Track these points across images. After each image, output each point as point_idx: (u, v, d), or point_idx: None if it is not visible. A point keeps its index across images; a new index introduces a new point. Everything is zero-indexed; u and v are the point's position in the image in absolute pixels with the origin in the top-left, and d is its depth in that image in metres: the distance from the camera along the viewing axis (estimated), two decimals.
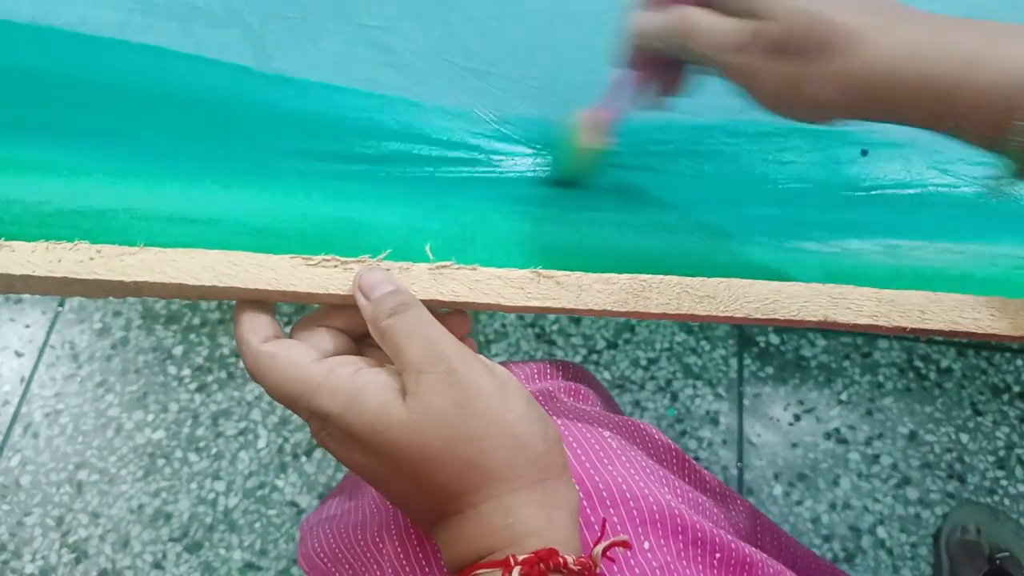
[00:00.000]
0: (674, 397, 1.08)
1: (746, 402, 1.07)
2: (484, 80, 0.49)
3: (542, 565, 0.29)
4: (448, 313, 0.37)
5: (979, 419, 1.05)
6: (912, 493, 1.01)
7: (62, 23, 0.48)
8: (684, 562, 0.38)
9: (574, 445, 0.40)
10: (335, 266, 0.36)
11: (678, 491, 0.42)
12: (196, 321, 1.13)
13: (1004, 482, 1.02)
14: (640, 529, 0.37)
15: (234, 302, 0.36)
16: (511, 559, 0.29)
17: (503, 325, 1.13)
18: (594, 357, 1.10)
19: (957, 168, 0.47)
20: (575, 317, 1.13)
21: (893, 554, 0.97)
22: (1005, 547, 0.91)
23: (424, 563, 0.38)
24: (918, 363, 1.09)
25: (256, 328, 0.34)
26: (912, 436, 1.05)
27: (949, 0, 0.51)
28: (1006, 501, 1.00)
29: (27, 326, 1.14)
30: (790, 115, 0.36)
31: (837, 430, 1.05)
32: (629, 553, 0.37)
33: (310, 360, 0.32)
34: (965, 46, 0.32)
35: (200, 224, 0.40)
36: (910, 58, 0.32)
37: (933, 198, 0.46)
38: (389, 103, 0.48)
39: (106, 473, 1.03)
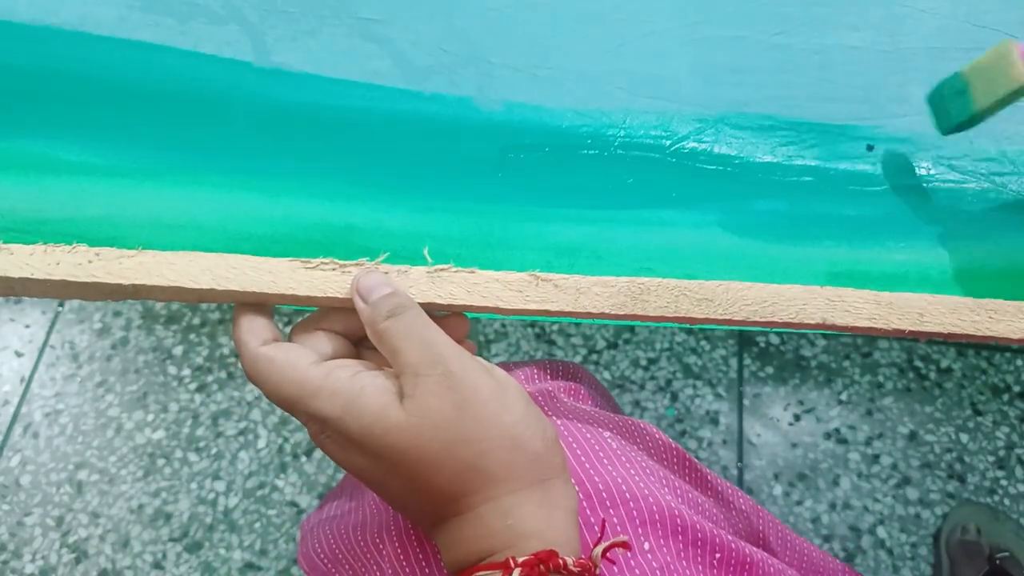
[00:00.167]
0: (674, 397, 1.08)
1: (746, 402, 1.07)
2: (485, 71, 0.49)
3: (542, 566, 0.29)
4: (446, 316, 0.37)
5: (979, 419, 1.05)
6: (912, 493, 1.01)
7: (60, 22, 0.48)
8: (684, 562, 0.38)
9: (573, 445, 0.40)
10: (333, 269, 0.36)
11: (678, 491, 0.42)
12: (196, 321, 1.13)
13: (1004, 482, 1.02)
14: (640, 530, 0.37)
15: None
16: (511, 560, 0.29)
17: (503, 325, 1.13)
18: (594, 357, 1.11)
19: (963, 164, 0.47)
20: None
21: (893, 554, 0.98)
22: (1005, 547, 0.91)
23: (424, 564, 0.38)
24: (918, 363, 1.09)
25: (254, 331, 0.34)
26: (912, 436, 1.05)
27: (950, 0, 0.51)
28: (1006, 501, 1.00)
29: (27, 326, 1.14)
30: None
31: (837, 430, 1.05)
32: (629, 554, 0.37)
33: (308, 363, 0.32)
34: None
35: (199, 223, 0.40)
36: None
37: (937, 194, 0.46)
38: (390, 96, 0.47)
39: (106, 473, 1.03)
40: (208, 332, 1.13)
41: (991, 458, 1.03)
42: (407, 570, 0.38)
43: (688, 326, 1.13)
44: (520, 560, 0.28)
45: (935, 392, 1.07)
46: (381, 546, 0.41)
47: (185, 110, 0.46)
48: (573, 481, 0.34)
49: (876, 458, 1.03)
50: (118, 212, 0.40)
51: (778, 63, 0.49)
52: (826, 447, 1.04)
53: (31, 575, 0.97)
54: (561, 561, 0.29)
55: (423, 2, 0.51)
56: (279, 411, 1.07)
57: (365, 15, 0.50)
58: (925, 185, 0.46)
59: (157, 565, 0.98)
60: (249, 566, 0.98)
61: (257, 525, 1.00)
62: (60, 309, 1.15)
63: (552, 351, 1.11)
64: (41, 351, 1.11)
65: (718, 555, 0.39)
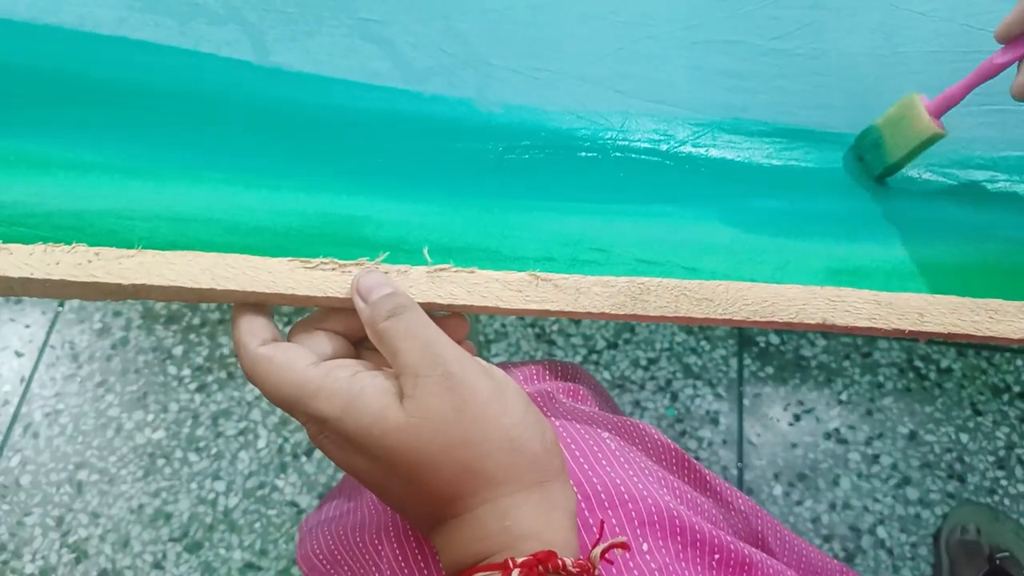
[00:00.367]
0: (674, 397, 1.08)
1: (746, 402, 1.07)
2: (485, 73, 0.49)
3: (541, 567, 0.29)
4: (446, 316, 0.37)
5: (979, 419, 1.05)
6: (912, 493, 1.01)
7: (60, 21, 0.48)
8: (683, 563, 0.38)
9: (572, 447, 0.40)
10: (333, 269, 0.36)
11: (677, 492, 0.42)
12: (196, 321, 1.13)
13: (1004, 482, 1.02)
14: (639, 531, 0.37)
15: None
16: (509, 562, 0.29)
17: (503, 325, 1.13)
18: (594, 357, 1.10)
19: (962, 164, 0.47)
20: None
21: (893, 554, 0.98)
22: (1005, 547, 0.91)
23: (423, 565, 0.38)
24: (918, 363, 1.09)
25: (254, 331, 0.34)
26: (912, 436, 1.05)
27: (947, 3, 0.51)
28: (1006, 501, 1.00)
29: (27, 326, 1.14)
30: None
31: (837, 430, 1.05)
32: (627, 555, 0.37)
33: (307, 363, 0.32)
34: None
35: (198, 222, 0.40)
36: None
37: (937, 194, 0.46)
38: (389, 96, 0.47)
39: (106, 473, 1.03)
40: (208, 332, 1.13)
41: (991, 458, 1.03)
42: (406, 571, 0.38)
43: (688, 326, 1.13)
44: (519, 561, 0.28)
45: (935, 392, 1.07)
46: (380, 547, 0.41)
47: (184, 110, 0.46)
48: (572, 482, 0.34)
49: (876, 458, 1.03)
50: (118, 211, 0.40)
51: (776, 67, 0.49)
52: (826, 447, 1.04)
53: (31, 575, 0.97)
54: (560, 562, 0.29)
55: (423, 3, 0.51)
56: (279, 411, 1.07)
57: (365, 16, 0.50)
58: (924, 187, 0.46)
59: (157, 565, 0.98)
60: (249, 566, 0.98)
61: (257, 525, 1.00)
62: (60, 309, 1.15)
63: (552, 351, 1.11)
64: (41, 351, 1.11)
65: (717, 556, 0.39)
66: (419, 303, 0.34)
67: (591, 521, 0.37)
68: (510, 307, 0.36)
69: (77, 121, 0.44)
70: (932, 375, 1.08)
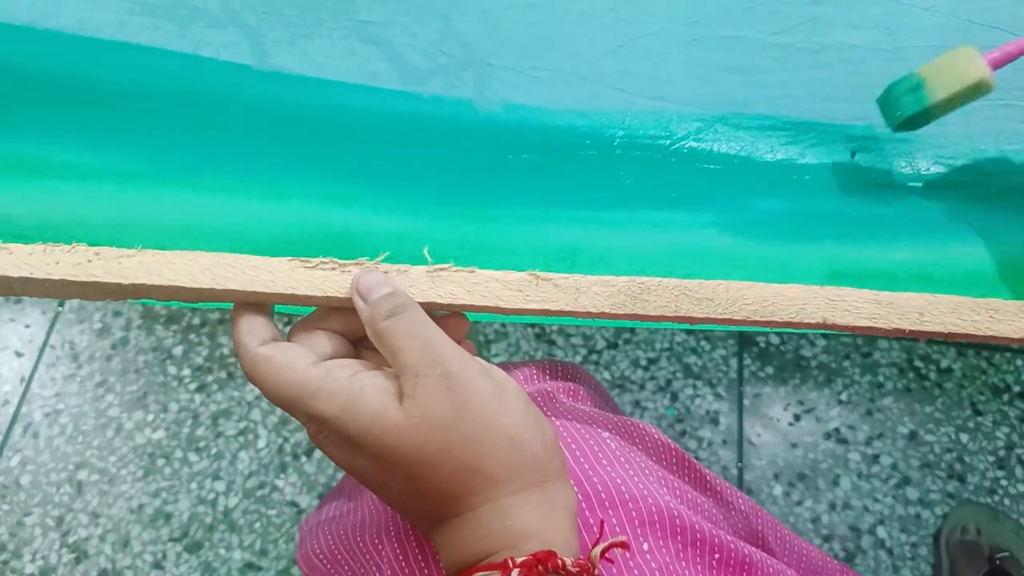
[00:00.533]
0: (674, 397, 1.08)
1: (746, 402, 1.07)
2: (484, 73, 0.49)
3: (540, 567, 0.28)
4: (446, 316, 0.37)
5: (979, 419, 1.05)
6: (912, 493, 1.01)
7: (60, 25, 0.48)
8: (683, 563, 0.38)
9: (572, 446, 0.40)
10: (333, 268, 0.36)
11: (677, 491, 0.42)
12: (196, 321, 1.13)
13: (1004, 482, 1.02)
14: (639, 530, 0.37)
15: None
16: (509, 561, 0.29)
17: (503, 325, 1.13)
18: (594, 357, 1.10)
19: (962, 163, 0.47)
20: None
21: (893, 554, 0.97)
22: (1005, 547, 0.91)
23: (423, 564, 0.38)
24: (918, 363, 1.09)
25: (254, 331, 0.34)
26: (912, 436, 1.05)
27: (953, 0, 0.51)
28: (1006, 501, 1.00)
29: (27, 326, 1.14)
30: None
31: (837, 430, 1.05)
32: (628, 554, 0.37)
33: (307, 363, 0.32)
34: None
35: (198, 224, 0.40)
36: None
37: (937, 193, 0.46)
38: (389, 98, 0.47)
39: (106, 473, 1.03)
40: (208, 332, 1.13)
41: (991, 458, 1.03)
42: (406, 571, 0.38)
43: (688, 326, 1.13)
44: (519, 561, 0.28)
45: (935, 392, 1.07)
46: (380, 547, 0.41)
47: (184, 113, 0.46)
48: (572, 482, 0.34)
49: (876, 458, 1.03)
50: (117, 214, 0.40)
51: (777, 62, 0.49)
52: (826, 447, 1.04)
53: (31, 575, 0.97)
54: (560, 562, 0.29)
55: (421, 4, 0.51)
56: (279, 411, 1.07)
57: (363, 18, 0.50)
58: (925, 184, 0.46)
59: (157, 565, 0.98)
60: (249, 566, 0.98)
61: (257, 525, 1.00)
62: (60, 309, 1.15)
63: (552, 351, 1.11)
64: (41, 351, 1.11)
65: (717, 555, 0.39)
66: (419, 303, 0.34)
67: (591, 521, 0.37)
68: (510, 307, 0.36)
69: (76, 124, 0.44)
70: (932, 375, 1.08)
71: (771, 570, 0.41)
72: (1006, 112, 0.48)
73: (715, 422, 1.06)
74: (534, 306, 0.37)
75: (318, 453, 1.04)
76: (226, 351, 1.11)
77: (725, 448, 1.04)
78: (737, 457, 1.04)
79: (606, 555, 0.32)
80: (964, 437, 1.04)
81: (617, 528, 0.37)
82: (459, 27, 0.50)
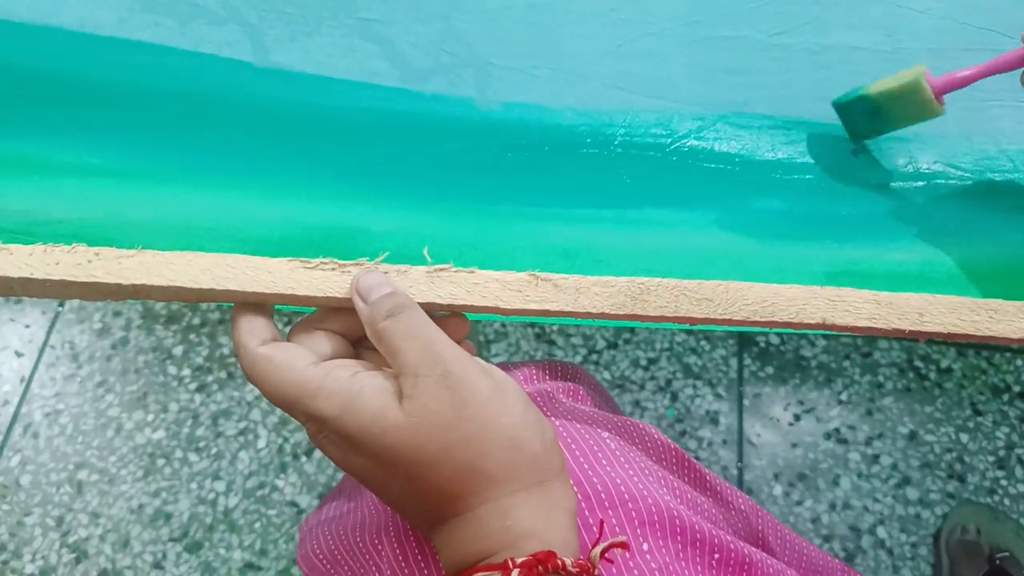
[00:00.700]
0: (674, 397, 1.08)
1: (746, 402, 1.07)
2: (485, 72, 0.49)
3: (540, 567, 0.28)
4: (446, 316, 0.37)
5: (979, 419, 1.05)
6: (912, 493, 1.01)
7: (60, 22, 0.48)
8: (683, 563, 0.38)
9: (572, 446, 0.40)
10: (333, 269, 0.36)
11: (677, 491, 0.42)
12: (196, 321, 1.13)
13: (1004, 482, 1.02)
14: (639, 530, 0.37)
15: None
16: (509, 562, 0.29)
17: (503, 325, 1.13)
18: (594, 357, 1.10)
19: (963, 163, 0.47)
20: None
21: (893, 554, 0.97)
22: (1005, 547, 0.91)
23: (423, 564, 0.38)
24: (918, 363, 1.09)
25: (253, 331, 0.34)
26: (912, 436, 1.05)
27: (948, 1, 0.51)
28: (1006, 501, 1.00)
29: (27, 326, 1.14)
30: None
31: (837, 430, 1.05)
32: (627, 554, 0.37)
33: (307, 363, 0.32)
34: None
35: (198, 223, 0.40)
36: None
37: (937, 193, 0.46)
38: (390, 96, 0.47)
39: (106, 473, 1.03)
40: (208, 332, 1.13)
41: (991, 458, 1.03)
42: (406, 571, 0.38)
43: (688, 326, 1.13)
44: (519, 561, 0.28)
45: (935, 392, 1.07)
46: (380, 547, 0.41)
47: (185, 110, 0.46)
48: (572, 482, 0.34)
49: (876, 458, 1.03)
50: (118, 212, 0.40)
51: (777, 63, 0.49)
52: (826, 447, 1.04)
53: (31, 575, 0.97)
54: (559, 562, 0.29)
55: (422, 3, 0.51)
56: (279, 411, 1.07)
57: (364, 15, 0.50)
58: (925, 184, 0.46)
59: (157, 565, 0.98)
60: (249, 566, 0.98)
61: (257, 525, 1.00)
62: (60, 309, 1.15)
63: (552, 351, 1.11)
64: (41, 351, 1.11)
65: (717, 555, 0.39)
66: (419, 303, 0.34)
67: (591, 521, 0.37)
68: (510, 307, 0.36)
69: (77, 122, 0.44)
70: (932, 375, 1.08)
71: (771, 570, 0.41)
72: (1006, 112, 0.48)
73: (715, 422, 1.06)
74: (534, 306, 0.37)
75: (318, 453, 1.04)
76: (226, 351, 1.11)
77: (725, 448, 1.04)
78: (737, 457, 1.04)
79: (606, 555, 0.32)
80: (964, 437, 1.04)
81: (617, 528, 0.37)
82: (460, 26, 0.50)
